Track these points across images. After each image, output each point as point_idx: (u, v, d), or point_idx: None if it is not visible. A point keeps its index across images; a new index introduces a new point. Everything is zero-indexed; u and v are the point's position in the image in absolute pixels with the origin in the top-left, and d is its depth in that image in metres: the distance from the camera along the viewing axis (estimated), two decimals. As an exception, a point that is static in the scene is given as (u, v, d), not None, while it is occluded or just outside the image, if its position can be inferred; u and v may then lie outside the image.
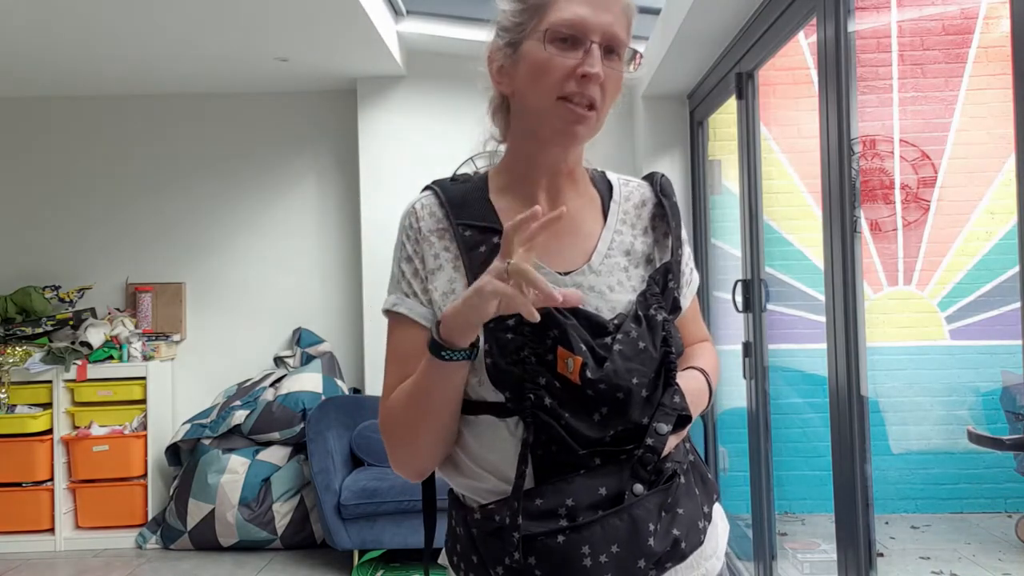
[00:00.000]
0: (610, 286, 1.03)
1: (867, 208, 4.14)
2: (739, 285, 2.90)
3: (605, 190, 1.12)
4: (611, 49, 1.00)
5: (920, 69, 4.13)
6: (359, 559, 3.66)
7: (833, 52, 2.05)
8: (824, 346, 2.12)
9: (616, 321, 0.99)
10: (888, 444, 4.04)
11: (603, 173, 1.15)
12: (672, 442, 0.99)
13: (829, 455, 2.11)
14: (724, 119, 3.57)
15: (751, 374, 2.86)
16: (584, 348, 0.95)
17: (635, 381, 0.95)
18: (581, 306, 0.98)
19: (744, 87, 2.86)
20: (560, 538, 0.92)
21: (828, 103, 2.08)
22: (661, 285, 1.05)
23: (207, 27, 3.50)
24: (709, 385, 1.08)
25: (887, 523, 3.96)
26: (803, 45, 3.99)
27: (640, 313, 1.00)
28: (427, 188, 1.09)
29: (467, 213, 1.04)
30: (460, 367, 0.94)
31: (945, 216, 4.08)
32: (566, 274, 1.02)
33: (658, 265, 1.08)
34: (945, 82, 4.11)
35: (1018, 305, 3.41)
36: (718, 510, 1.10)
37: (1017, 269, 2.58)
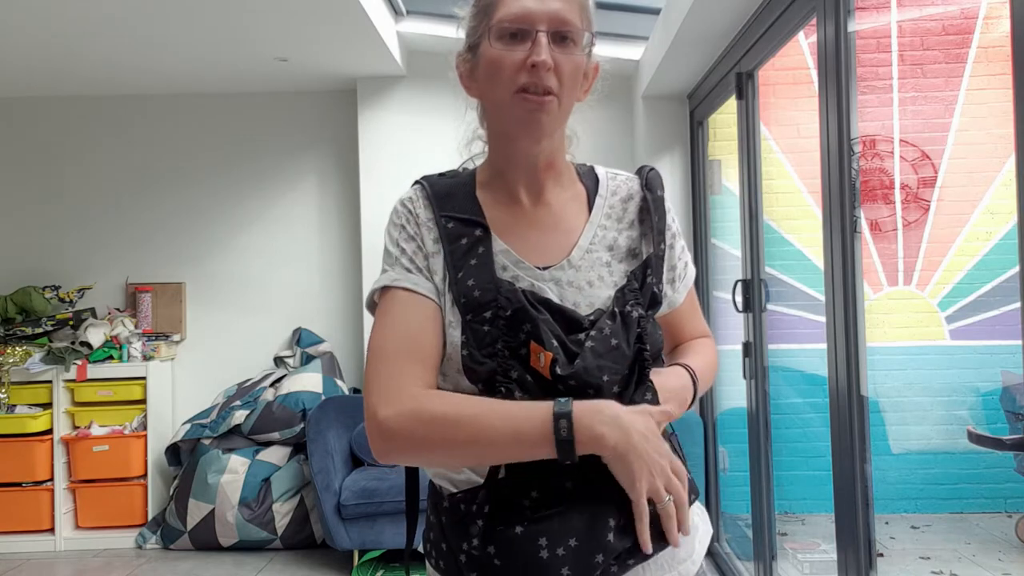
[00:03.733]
0: (590, 281, 1.03)
1: (867, 208, 4.13)
2: (739, 285, 2.90)
3: (591, 184, 1.12)
4: (563, 36, 1.00)
5: (920, 69, 4.13)
6: (359, 559, 3.66)
7: (833, 52, 2.06)
8: (824, 346, 2.12)
9: (592, 317, 0.99)
10: (888, 444, 4.04)
11: (591, 168, 1.15)
12: None
13: (829, 455, 2.11)
14: (724, 119, 3.57)
15: (751, 374, 2.86)
16: (556, 344, 0.95)
17: (606, 378, 0.95)
18: (557, 301, 0.99)
19: (744, 87, 2.86)
20: (518, 528, 0.92)
21: (828, 103, 2.08)
22: (640, 281, 1.04)
23: (207, 27, 3.50)
24: (695, 383, 1.07)
25: (887, 523, 3.96)
26: (803, 45, 3.99)
27: (616, 310, 1.00)
28: (416, 183, 1.10)
29: (451, 206, 1.05)
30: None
31: (945, 216, 4.08)
32: (545, 268, 1.02)
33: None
34: (945, 82, 4.11)
35: (1018, 305, 3.41)
36: (700, 514, 1.08)
37: (1017, 269, 2.58)
